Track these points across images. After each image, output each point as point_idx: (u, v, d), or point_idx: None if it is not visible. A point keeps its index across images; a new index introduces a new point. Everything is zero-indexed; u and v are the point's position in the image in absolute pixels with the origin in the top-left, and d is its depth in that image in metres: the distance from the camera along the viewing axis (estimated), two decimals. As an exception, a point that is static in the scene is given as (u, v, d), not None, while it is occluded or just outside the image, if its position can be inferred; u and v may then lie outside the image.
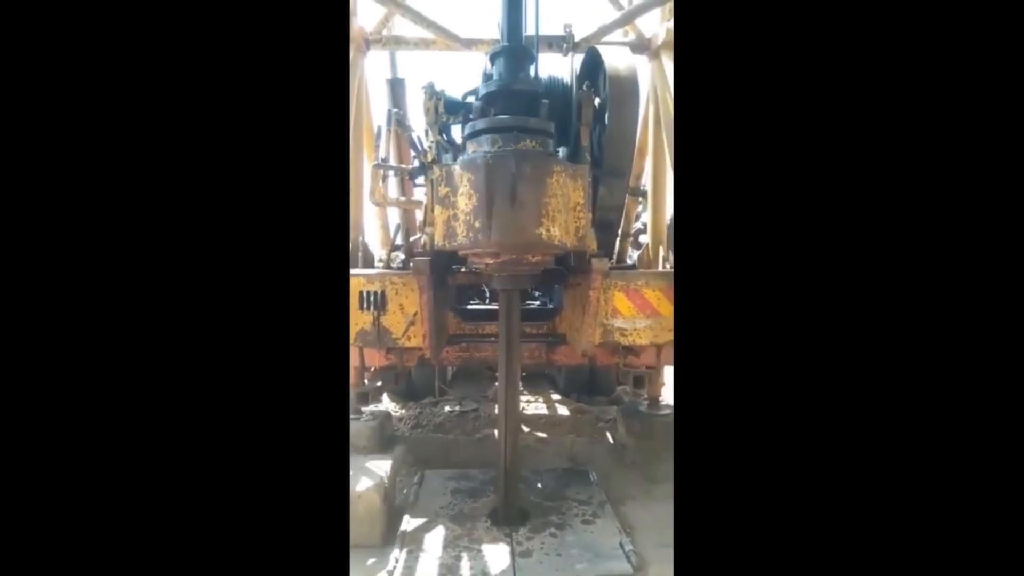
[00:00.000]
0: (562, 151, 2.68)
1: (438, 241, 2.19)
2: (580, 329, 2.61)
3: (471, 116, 2.32)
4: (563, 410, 4.35)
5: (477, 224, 2.01)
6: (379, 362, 3.04)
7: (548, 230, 2.01)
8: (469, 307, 3.72)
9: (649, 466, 2.94)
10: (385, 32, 3.25)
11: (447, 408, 4.34)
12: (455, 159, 2.72)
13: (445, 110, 2.66)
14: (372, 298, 2.62)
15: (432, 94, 2.62)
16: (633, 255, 3.79)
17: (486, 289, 4.26)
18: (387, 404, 4.49)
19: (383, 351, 2.94)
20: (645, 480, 2.88)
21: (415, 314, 2.62)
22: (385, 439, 2.98)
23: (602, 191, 2.71)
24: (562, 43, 3.07)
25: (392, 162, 3.39)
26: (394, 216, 3.82)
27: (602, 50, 2.71)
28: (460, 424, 3.96)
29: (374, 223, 3.49)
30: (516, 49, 2.17)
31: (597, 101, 2.73)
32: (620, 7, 3.22)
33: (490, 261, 2.13)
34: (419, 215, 3.69)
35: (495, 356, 3.06)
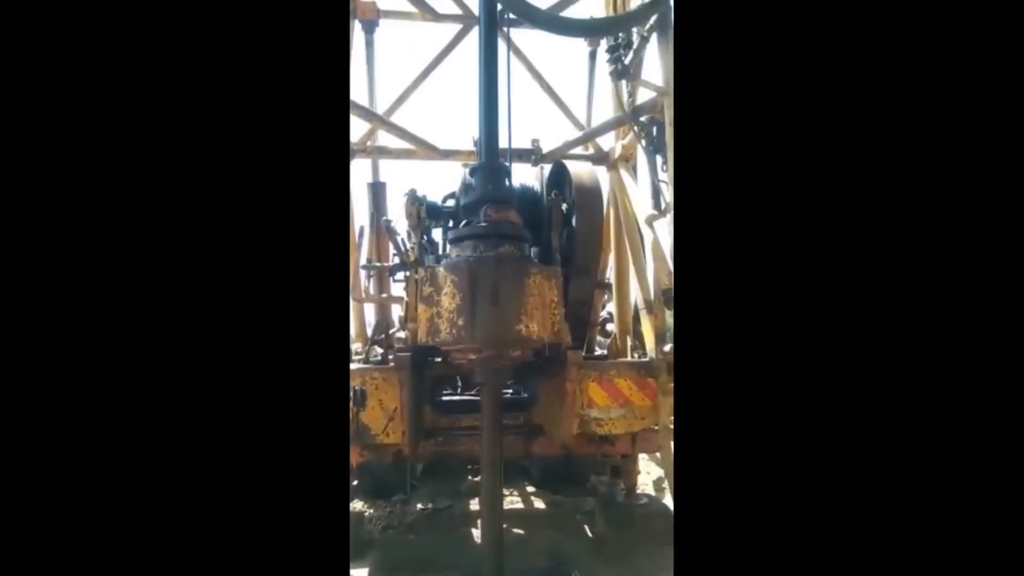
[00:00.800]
0: (534, 251, 2.91)
1: (421, 337, 2.28)
2: (558, 420, 2.68)
3: (452, 223, 2.53)
4: (539, 503, 4.25)
5: (460, 322, 2.13)
6: (355, 459, 2.97)
7: (527, 326, 2.15)
8: (444, 398, 3.72)
9: (631, 559, 2.89)
10: (369, 143, 3.55)
11: (419, 506, 4.16)
12: (436, 259, 2.90)
13: (427, 215, 2.89)
14: (352, 394, 2.63)
15: (415, 200, 2.85)
16: (602, 343, 3.96)
17: (458, 379, 4.29)
18: (355, 502, 4.27)
19: (359, 448, 2.89)
20: (630, 574, 2.82)
21: (395, 410, 2.63)
22: (358, 544, 2.84)
23: (572, 287, 2.92)
24: (531, 155, 3.43)
25: (370, 258, 3.54)
26: (369, 310, 3.90)
27: (567, 163, 3.06)
28: (435, 523, 3.79)
29: (350, 317, 3.56)
30: (493, 165, 2.43)
31: (564, 206, 3.02)
32: (581, 127, 3.66)
33: (472, 356, 2.23)
34: (395, 309, 3.79)
35: (473, 450, 3.05)
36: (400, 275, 3.28)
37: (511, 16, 2.55)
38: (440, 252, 3.20)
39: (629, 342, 3.46)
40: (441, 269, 2.26)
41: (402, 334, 3.09)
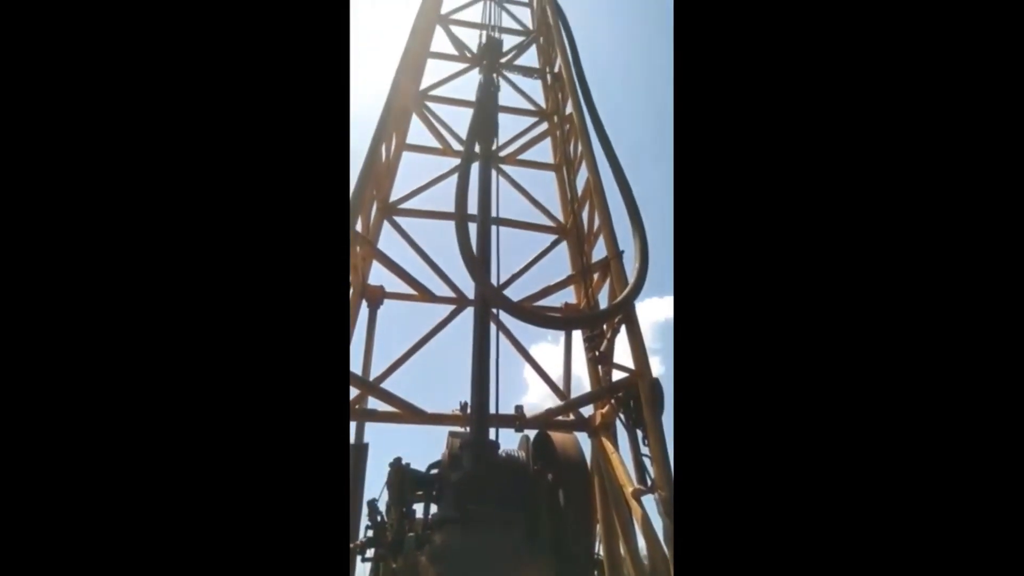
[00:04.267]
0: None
1: (392, 648, 1.97)
2: None
3: (436, 493, 2.45)
4: None
5: (442, 631, 1.89)
6: None
7: (518, 636, 1.91)
8: None
9: None
10: (358, 407, 3.66)
11: None
12: (415, 540, 2.70)
13: (410, 486, 2.80)
14: None
15: (400, 470, 2.80)
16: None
17: None
18: None
19: None
20: None
21: None
22: None
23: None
24: (515, 422, 3.56)
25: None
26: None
27: (551, 434, 3.16)
28: None
29: None
30: (483, 442, 2.51)
31: (550, 476, 3.00)
32: (563, 396, 3.92)
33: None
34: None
35: None
36: (369, 552, 2.98)
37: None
38: (422, 516, 2.99)
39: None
40: (424, 558, 2.11)
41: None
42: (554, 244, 4.39)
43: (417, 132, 4.91)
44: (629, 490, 2.95)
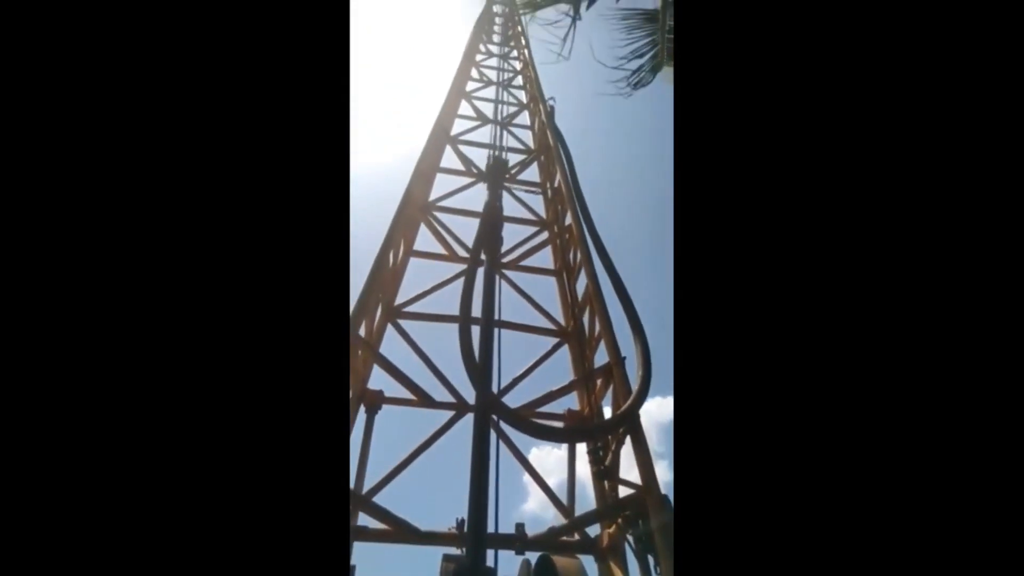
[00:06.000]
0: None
1: None
2: None
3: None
4: None
5: None
6: None
7: None
8: None
9: None
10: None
11: None
12: None
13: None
14: None
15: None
16: None
17: None
18: None
19: None
20: None
21: None
22: None
23: None
24: (515, 542, 3.29)
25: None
26: None
27: (555, 559, 2.92)
28: None
29: None
30: (480, 570, 2.31)
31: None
32: (568, 514, 3.67)
33: None
34: None
35: None
36: None
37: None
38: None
39: None
40: None
41: None
42: (556, 347, 4.38)
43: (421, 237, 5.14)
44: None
